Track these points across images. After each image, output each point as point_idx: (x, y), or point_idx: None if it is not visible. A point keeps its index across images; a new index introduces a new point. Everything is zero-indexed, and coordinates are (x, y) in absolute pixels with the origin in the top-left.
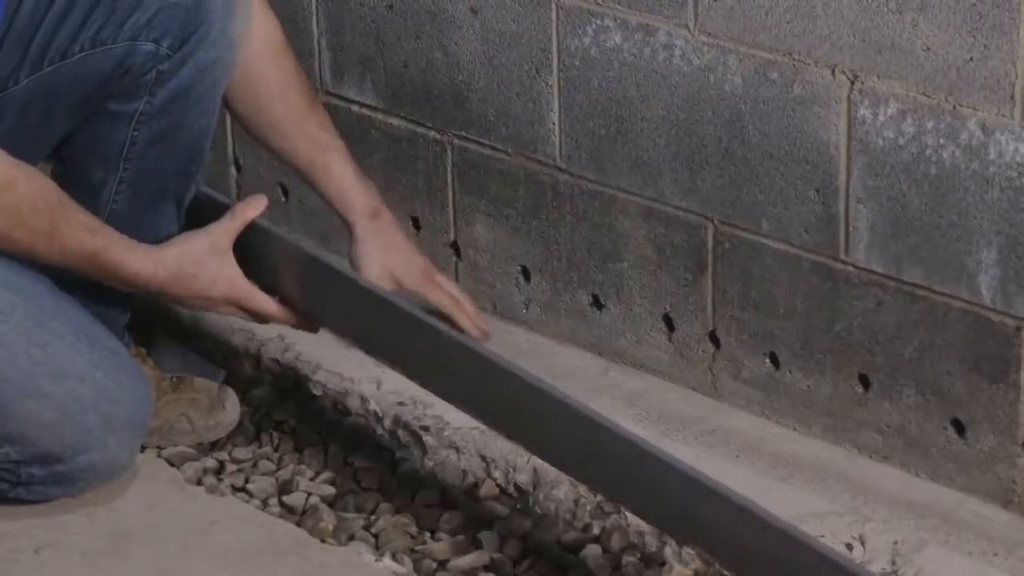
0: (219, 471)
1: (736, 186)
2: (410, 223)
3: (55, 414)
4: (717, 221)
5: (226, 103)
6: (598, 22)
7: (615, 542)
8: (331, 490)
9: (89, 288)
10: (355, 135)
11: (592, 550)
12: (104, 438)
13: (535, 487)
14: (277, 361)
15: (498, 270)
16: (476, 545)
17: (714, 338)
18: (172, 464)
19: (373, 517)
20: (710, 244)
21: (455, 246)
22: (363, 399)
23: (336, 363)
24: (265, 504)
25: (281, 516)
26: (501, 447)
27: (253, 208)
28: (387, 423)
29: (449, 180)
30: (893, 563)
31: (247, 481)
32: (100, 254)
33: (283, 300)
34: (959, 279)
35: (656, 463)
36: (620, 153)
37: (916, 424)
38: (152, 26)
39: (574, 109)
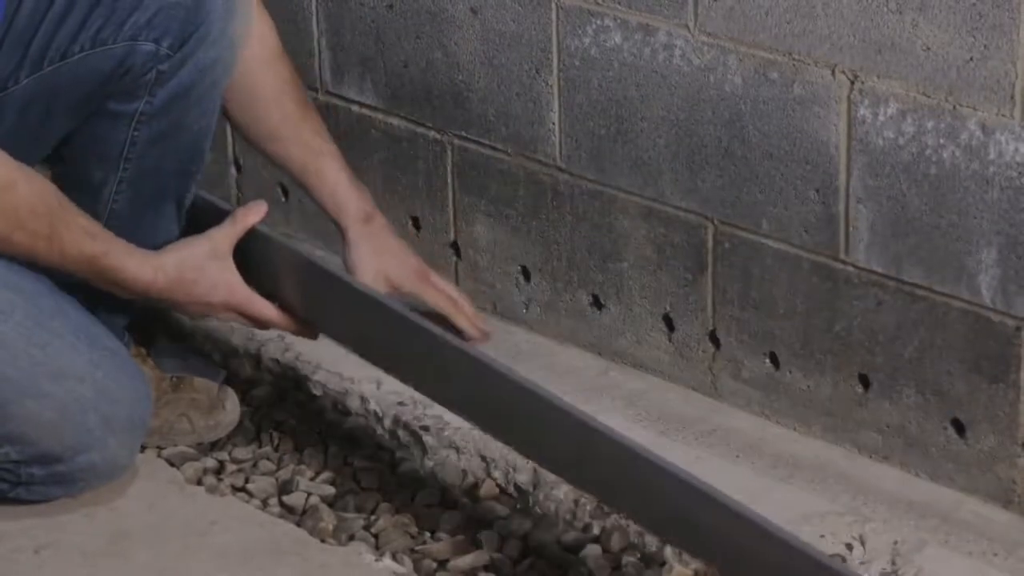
0: (219, 471)
1: (736, 186)
2: (410, 223)
3: (55, 414)
4: (717, 221)
5: (221, 107)
6: (598, 22)
7: (615, 542)
8: (331, 490)
9: (90, 289)
10: (355, 135)
11: (592, 550)
12: (104, 438)
13: (535, 487)
14: (277, 361)
15: (498, 270)
16: (476, 545)
17: (714, 338)
18: (172, 464)
19: (373, 517)
20: (710, 244)
21: (455, 246)
22: (363, 399)
23: (336, 363)
24: (265, 504)
25: (281, 516)
26: (501, 447)
27: (253, 214)
28: (387, 423)
29: (449, 180)
30: (893, 563)
31: (247, 481)
32: (99, 258)
33: (283, 306)
34: (959, 279)
35: (651, 467)
36: (620, 153)
37: (916, 424)
38: (152, 26)
39: (574, 109)
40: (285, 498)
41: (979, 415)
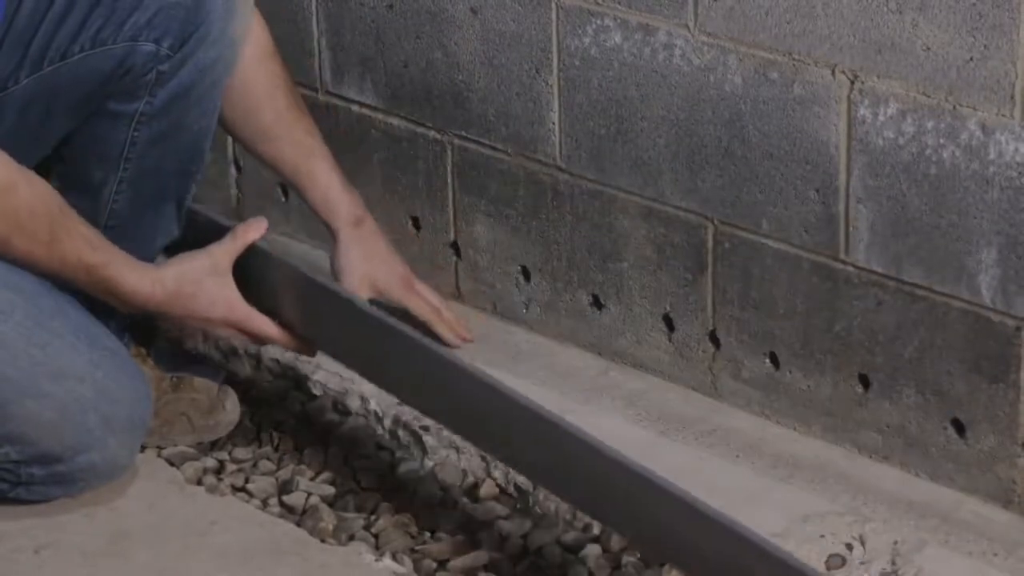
0: (219, 471)
1: (736, 186)
2: (410, 223)
3: (55, 414)
4: (717, 221)
5: None
6: (598, 22)
7: (615, 542)
8: (331, 490)
9: None
10: (355, 135)
11: (592, 550)
12: (104, 438)
13: (535, 487)
14: (277, 361)
15: (498, 270)
16: (476, 545)
17: (714, 338)
18: (172, 464)
19: (373, 517)
20: (710, 244)
21: (455, 246)
22: (363, 399)
23: (336, 363)
24: (265, 504)
25: (281, 516)
26: None
27: (254, 230)
28: (387, 423)
29: (449, 180)
30: (893, 563)
31: (247, 481)
32: (99, 268)
33: (282, 323)
34: (959, 279)
35: (635, 479)
36: (620, 153)
37: (916, 424)
38: (152, 26)
39: (574, 109)
40: (285, 498)
41: (979, 415)
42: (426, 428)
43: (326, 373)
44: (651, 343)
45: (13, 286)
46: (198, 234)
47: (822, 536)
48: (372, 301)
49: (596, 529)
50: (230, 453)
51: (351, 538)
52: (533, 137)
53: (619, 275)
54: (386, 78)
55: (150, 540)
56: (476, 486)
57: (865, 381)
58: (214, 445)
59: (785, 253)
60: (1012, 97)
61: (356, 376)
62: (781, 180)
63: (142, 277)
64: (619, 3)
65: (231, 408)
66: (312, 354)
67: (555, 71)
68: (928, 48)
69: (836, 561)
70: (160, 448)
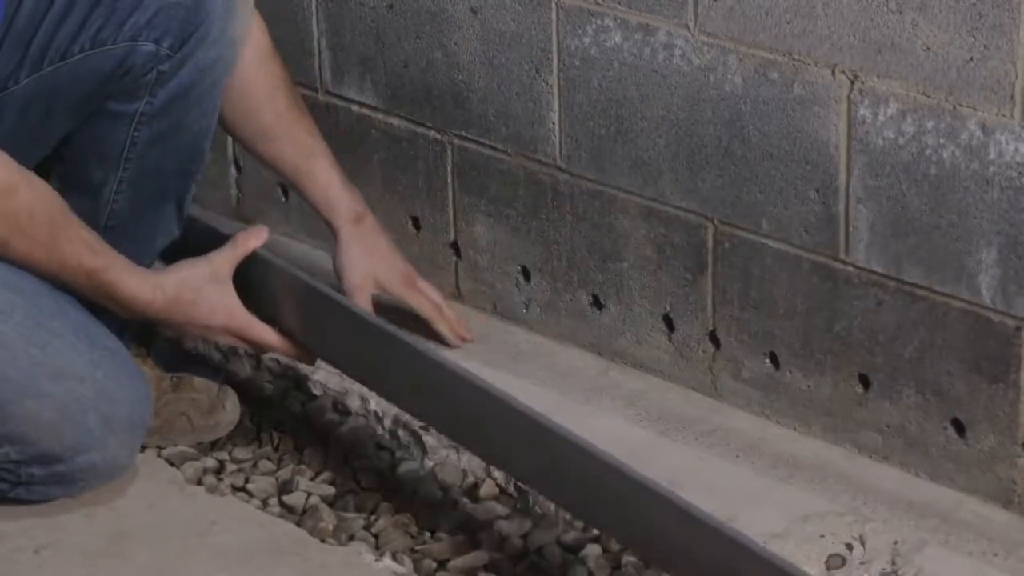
0: (219, 471)
1: (736, 186)
2: (410, 223)
3: (55, 414)
4: (717, 221)
5: None
6: (598, 22)
7: (615, 542)
8: (331, 490)
9: None
10: (355, 135)
11: (592, 550)
12: (104, 438)
13: None
14: (277, 361)
15: (498, 270)
16: (476, 545)
17: (714, 338)
18: (172, 464)
19: (373, 517)
20: (710, 244)
21: (455, 246)
22: (363, 399)
23: None
24: (265, 504)
25: (281, 516)
26: None
27: (254, 238)
28: (387, 423)
29: (449, 180)
30: (893, 563)
31: (247, 481)
32: (99, 273)
33: (282, 330)
34: (959, 279)
35: (628, 482)
36: (620, 153)
37: (916, 424)
38: (152, 26)
39: (574, 109)
40: (285, 498)
41: (979, 415)
42: (426, 428)
43: (326, 373)
44: (651, 343)
45: (13, 286)
46: (198, 241)
47: (822, 536)
48: (374, 297)
49: (596, 529)
50: (230, 453)
51: (351, 538)
52: (533, 137)
53: (619, 275)
54: (386, 78)
55: (150, 540)
56: (476, 486)
57: (865, 381)
58: (214, 445)
59: (785, 253)
60: (1012, 97)
61: None
62: (781, 180)
63: (142, 283)
64: (619, 3)
65: (231, 408)
66: (312, 363)
67: (555, 71)
68: (928, 48)
69: (836, 561)
70: (160, 448)
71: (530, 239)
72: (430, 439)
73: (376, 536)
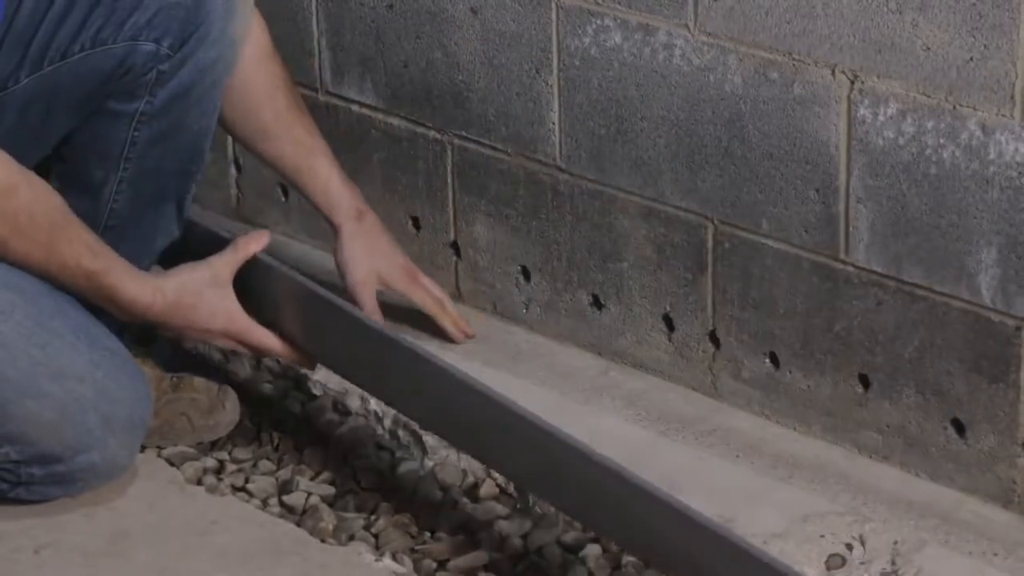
0: (219, 471)
1: (736, 186)
2: (410, 223)
3: (55, 414)
4: (717, 221)
5: None
6: (598, 22)
7: (615, 545)
8: (331, 490)
9: None
10: (355, 135)
11: (592, 550)
12: (104, 438)
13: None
14: (277, 361)
15: (498, 270)
16: (476, 545)
17: (714, 338)
18: (172, 464)
19: (373, 517)
20: (710, 244)
21: (455, 246)
22: (363, 399)
23: None
24: (265, 504)
25: (281, 516)
26: None
27: (255, 242)
28: (387, 423)
29: (449, 180)
30: (893, 563)
31: (247, 481)
32: (99, 275)
33: (283, 335)
34: (959, 279)
35: (627, 485)
36: (620, 153)
37: (916, 424)
38: (152, 26)
39: (574, 109)
40: (285, 498)
41: (979, 415)
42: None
43: (326, 373)
44: (651, 343)
45: (13, 286)
46: (198, 245)
47: (822, 536)
48: (377, 293)
49: (596, 533)
50: (230, 453)
51: (351, 538)
52: (533, 137)
53: (619, 275)
54: (386, 78)
55: (150, 540)
56: (476, 486)
57: (865, 381)
58: (214, 445)
59: (785, 253)
60: (1012, 97)
61: None
62: (781, 180)
63: (142, 286)
64: (619, 3)
65: (231, 408)
66: (312, 367)
67: (555, 71)
68: (928, 48)
69: (836, 561)
70: (160, 448)
71: (530, 239)
72: (430, 439)
73: (376, 536)
